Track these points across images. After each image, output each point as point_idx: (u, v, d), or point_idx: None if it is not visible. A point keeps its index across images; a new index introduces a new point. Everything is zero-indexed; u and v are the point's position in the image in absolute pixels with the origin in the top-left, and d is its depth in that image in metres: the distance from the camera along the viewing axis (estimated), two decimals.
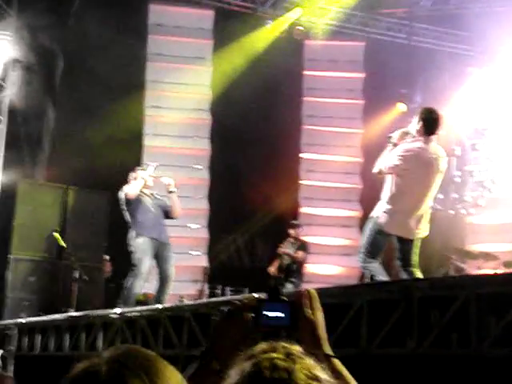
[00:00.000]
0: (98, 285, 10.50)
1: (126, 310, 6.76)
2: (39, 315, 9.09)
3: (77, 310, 8.65)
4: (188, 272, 11.62)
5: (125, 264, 12.07)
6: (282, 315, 1.72)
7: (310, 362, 1.43)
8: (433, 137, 6.21)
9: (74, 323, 7.35)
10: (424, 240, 12.35)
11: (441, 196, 12.93)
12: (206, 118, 12.99)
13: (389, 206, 6.15)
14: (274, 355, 1.42)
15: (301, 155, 13.55)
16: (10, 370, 8.14)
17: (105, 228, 10.85)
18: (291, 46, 13.34)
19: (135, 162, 12.48)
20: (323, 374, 1.42)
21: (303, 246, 10.63)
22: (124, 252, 12.17)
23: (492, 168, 12.95)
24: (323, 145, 13.44)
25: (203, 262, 12.48)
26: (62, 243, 9.89)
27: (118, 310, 6.79)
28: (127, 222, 8.12)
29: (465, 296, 3.95)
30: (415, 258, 6.20)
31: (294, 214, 12.62)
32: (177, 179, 12.58)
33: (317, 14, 13.27)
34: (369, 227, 6.34)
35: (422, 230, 6.25)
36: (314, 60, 13.77)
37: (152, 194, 8.33)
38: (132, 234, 8.07)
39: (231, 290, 10.96)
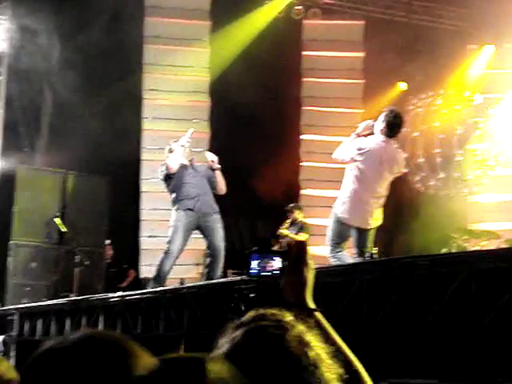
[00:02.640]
0: (99, 269, 10.49)
1: (126, 293, 6.73)
2: (41, 300, 9.08)
3: (78, 295, 8.65)
4: (189, 255, 11.58)
5: (125, 248, 12.13)
6: (272, 265, 1.76)
7: (301, 329, 1.40)
8: (393, 139, 6.65)
9: (75, 307, 7.33)
10: (426, 219, 12.36)
11: (442, 175, 12.91)
12: (206, 101, 12.91)
13: (346, 199, 6.65)
14: (264, 323, 1.39)
15: (301, 137, 13.48)
16: (13, 355, 8.15)
17: (105, 213, 10.83)
18: (290, 26, 13.24)
19: (134, 145, 12.46)
20: (315, 341, 1.39)
21: (304, 228, 10.58)
22: (125, 236, 12.24)
23: (494, 146, 12.90)
24: (323, 126, 13.36)
25: (204, 245, 12.43)
26: (63, 228, 9.87)
27: (118, 293, 6.77)
28: (169, 194, 7.74)
29: (466, 272, 3.90)
30: (370, 246, 6.74)
31: (295, 196, 12.57)
32: None
33: None
34: (331, 219, 6.82)
35: (376, 221, 6.75)
36: (313, 40, 13.66)
37: (191, 163, 7.82)
38: (172, 209, 7.67)
39: (233, 273, 10.94)
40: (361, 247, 6.70)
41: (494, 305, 3.75)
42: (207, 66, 12.98)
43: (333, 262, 6.57)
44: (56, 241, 10.15)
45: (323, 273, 4.90)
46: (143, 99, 12.72)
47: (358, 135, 6.77)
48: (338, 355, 1.48)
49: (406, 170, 6.90)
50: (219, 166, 7.75)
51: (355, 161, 6.57)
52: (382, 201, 6.79)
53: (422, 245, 11.90)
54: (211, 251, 7.60)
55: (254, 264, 1.77)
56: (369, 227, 6.72)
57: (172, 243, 7.42)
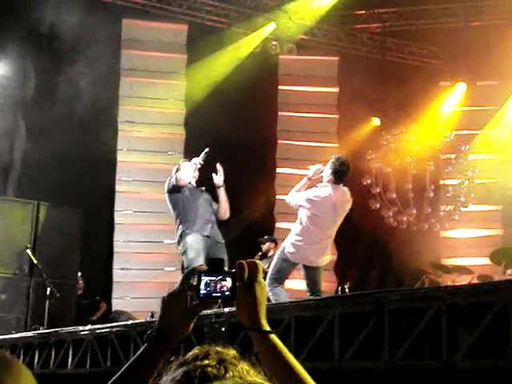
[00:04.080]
0: (71, 302, 10.35)
1: (96, 326, 6.65)
2: (10, 333, 8.93)
3: (48, 327, 8.52)
4: (162, 288, 11.51)
5: (97, 280, 12.02)
6: (223, 287, 1.69)
7: (243, 367, 1.38)
8: (341, 184, 7.05)
9: (44, 340, 7.22)
10: (399, 254, 12.41)
11: (415, 210, 13.00)
12: (181, 133, 12.93)
13: (296, 238, 6.97)
14: (206, 362, 1.37)
15: (277, 170, 13.53)
16: None
17: (77, 244, 10.70)
18: (265, 61, 13.35)
19: (109, 177, 12.41)
20: (258, 380, 1.37)
21: None
22: (97, 268, 12.13)
23: (466, 182, 13.04)
24: (298, 159, 13.42)
25: (178, 278, 12.36)
26: (34, 260, 9.76)
27: (88, 327, 6.68)
28: (175, 216, 7.37)
29: (436, 307, 3.91)
30: (321, 283, 7.14)
31: (269, 229, 12.58)
32: (151, 194, 12.64)
33: (291, 29, 13.30)
34: (277, 255, 7.16)
35: (323, 261, 7.14)
36: (289, 75, 13.79)
37: (202, 189, 7.57)
38: (179, 231, 7.28)
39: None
40: (311, 285, 7.01)
41: (464, 341, 3.76)
42: (183, 98, 13.03)
43: (270, 295, 6.68)
44: (27, 272, 10.02)
45: (295, 307, 4.89)
46: (118, 131, 12.71)
47: (309, 179, 7.19)
48: (293, 379, 1.47)
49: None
50: (223, 184, 7.51)
51: (304, 208, 6.98)
52: (331, 239, 7.30)
53: (395, 280, 11.95)
54: None
55: (205, 285, 1.69)
56: (316, 265, 7.05)
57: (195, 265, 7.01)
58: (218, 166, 7.57)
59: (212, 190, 7.65)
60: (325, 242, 7.10)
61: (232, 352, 1.43)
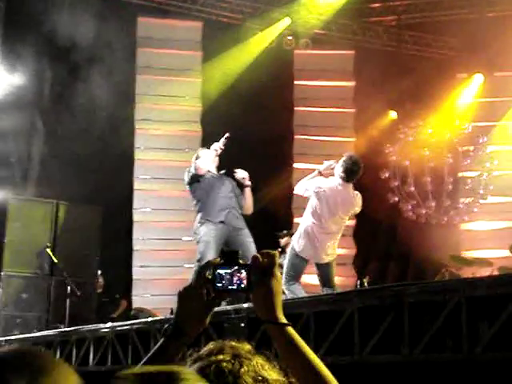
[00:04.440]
0: (91, 300, 10.42)
1: (116, 324, 6.68)
2: (32, 332, 9.01)
3: (69, 326, 8.57)
4: (181, 285, 11.54)
5: (117, 278, 12.07)
6: (239, 280, 1.68)
7: (258, 362, 1.38)
8: (350, 183, 6.95)
9: (65, 338, 7.27)
10: (418, 247, 12.35)
11: (433, 203, 12.94)
12: (197, 130, 12.95)
13: (301, 233, 6.95)
14: (221, 357, 1.37)
15: (294, 165, 13.51)
16: None
17: (97, 243, 10.77)
18: (281, 56, 13.34)
19: (127, 175, 12.46)
20: (272, 374, 1.37)
21: None
22: (117, 266, 12.19)
23: (485, 174, 12.96)
24: (315, 154, 13.39)
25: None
26: (54, 259, 9.83)
27: (108, 324, 6.72)
28: (196, 206, 7.25)
29: (456, 300, 3.89)
30: (333, 278, 7.09)
31: (287, 224, 12.57)
32: (169, 192, 12.68)
33: (306, 23, 13.27)
34: (289, 251, 7.12)
35: (331, 256, 7.04)
36: (304, 70, 13.77)
37: (221, 174, 7.43)
38: (196, 220, 7.21)
39: (226, 301, 10.89)
40: (323, 281, 7.01)
41: (485, 333, 3.74)
42: (199, 95, 13.05)
43: (287, 294, 6.68)
44: (47, 271, 10.10)
45: (314, 302, 4.89)
46: (136, 129, 12.75)
47: (320, 173, 7.10)
48: (311, 372, 1.47)
49: (359, 209, 7.12)
50: (250, 183, 7.45)
51: (311, 197, 6.93)
52: (334, 238, 7.06)
53: (415, 273, 11.90)
54: None
55: (220, 278, 1.69)
56: (323, 262, 6.99)
57: (204, 260, 6.74)
58: (238, 171, 7.49)
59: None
60: (324, 239, 6.93)
61: (247, 347, 1.43)
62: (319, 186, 6.89)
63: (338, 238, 7.11)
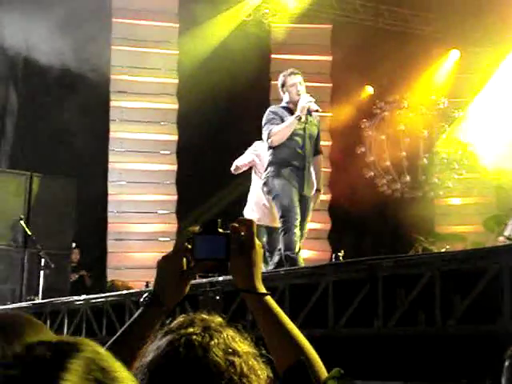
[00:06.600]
0: (65, 272, 10.39)
1: (91, 296, 6.67)
2: (5, 304, 8.96)
3: (43, 298, 8.55)
4: (156, 259, 11.54)
5: (92, 251, 12.03)
6: (217, 247, 1.66)
7: (229, 334, 1.38)
8: None
9: (39, 311, 7.25)
10: (393, 222, 12.41)
11: (409, 178, 13.02)
12: (174, 103, 12.86)
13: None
14: (191, 330, 1.37)
15: None
16: None
17: (71, 215, 10.71)
18: (258, 30, 13.25)
19: (101, 148, 12.37)
20: (243, 346, 1.37)
21: None
22: (91, 239, 12.14)
23: (460, 150, 13.04)
24: None
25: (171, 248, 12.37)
26: (28, 231, 9.76)
27: (83, 297, 6.71)
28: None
29: (430, 274, 3.93)
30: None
31: None
32: (144, 165, 12.61)
33: None
34: None
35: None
36: (281, 43, 13.69)
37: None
38: (268, 172, 6.51)
39: (200, 276, 10.91)
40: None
41: (458, 307, 3.78)
42: (175, 68, 12.94)
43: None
44: (21, 244, 10.03)
45: (290, 275, 4.91)
46: (111, 101, 12.62)
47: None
48: (290, 341, 1.47)
49: None
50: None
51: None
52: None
53: (389, 247, 11.97)
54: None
55: (199, 247, 1.66)
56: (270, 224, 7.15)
57: (291, 212, 6.26)
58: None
59: None
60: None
61: (218, 319, 1.43)
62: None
63: None
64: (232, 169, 7.62)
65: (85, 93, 11.47)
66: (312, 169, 6.61)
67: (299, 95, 6.52)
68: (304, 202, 6.43)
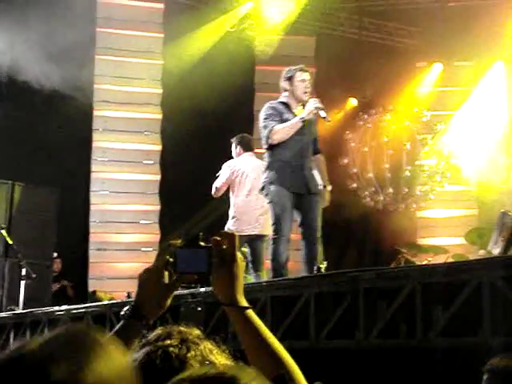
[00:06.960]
0: (46, 282, 10.31)
1: (72, 306, 6.63)
2: None
3: (24, 308, 8.48)
4: (138, 269, 11.50)
5: (73, 261, 11.96)
6: (199, 261, 1.65)
7: (206, 346, 1.38)
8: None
9: (19, 321, 7.19)
10: (375, 234, 12.44)
11: (391, 190, 13.06)
12: (157, 113, 12.84)
13: None
14: (168, 342, 1.37)
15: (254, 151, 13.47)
16: None
17: (53, 225, 10.64)
18: (242, 41, 13.28)
19: (84, 157, 12.32)
20: (220, 358, 1.37)
21: None
22: (73, 249, 12.06)
23: (442, 162, 13.11)
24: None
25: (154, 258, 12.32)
26: (9, 240, 9.68)
27: (63, 307, 6.66)
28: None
29: (411, 286, 3.94)
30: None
31: None
32: (127, 175, 12.57)
33: (267, 8, 13.22)
34: None
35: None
36: (266, 55, 13.70)
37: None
38: (266, 177, 6.41)
39: (182, 286, 10.87)
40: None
41: (439, 319, 3.79)
42: (160, 78, 12.92)
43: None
44: (2, 253, 9.94)
45: (271, 286, 4.90)
46: (94, 110, 12.58)
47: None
48: (271, 355, 1.46)
49: None
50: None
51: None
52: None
53: (371, 260, 12.01)
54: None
55: (181, 260, 1.66)
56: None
57: (282, 222, 6.18)
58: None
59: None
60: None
61: (195, 332, 1.43)
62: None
63: None
64: (212, 192, 7.61)
65: (68, 102, 11.42)
66: (314, 168, 6.53)
67: (306, 93, 6.41)
68: (307, 201, 6.30)
